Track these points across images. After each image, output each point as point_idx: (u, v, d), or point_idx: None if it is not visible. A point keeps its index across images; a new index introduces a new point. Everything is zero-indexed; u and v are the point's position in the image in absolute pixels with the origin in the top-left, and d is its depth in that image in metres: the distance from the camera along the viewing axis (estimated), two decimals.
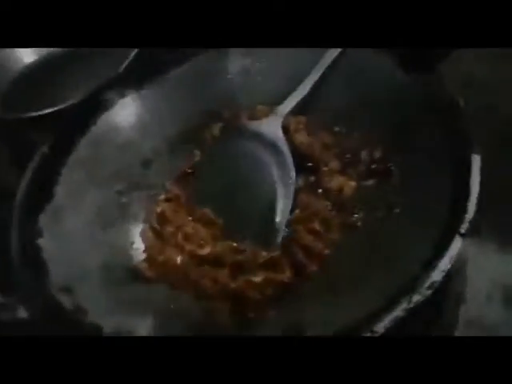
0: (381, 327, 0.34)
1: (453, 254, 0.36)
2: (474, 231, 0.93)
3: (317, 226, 0.49)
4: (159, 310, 0.45)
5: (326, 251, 0.47)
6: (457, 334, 0.68)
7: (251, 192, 0.51)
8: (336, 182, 0.52)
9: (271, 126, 0.54)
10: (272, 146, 0.52)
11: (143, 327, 0.42)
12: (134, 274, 0.49)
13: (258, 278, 0.46)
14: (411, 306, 0.34)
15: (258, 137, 0.53)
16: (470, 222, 0.38)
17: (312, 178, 0.54)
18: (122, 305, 0.44)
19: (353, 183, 0.52)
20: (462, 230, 0.38)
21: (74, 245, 0.48)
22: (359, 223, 0.49)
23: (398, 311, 0.34)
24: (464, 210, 0.38)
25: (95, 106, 0.58)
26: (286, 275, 0.46)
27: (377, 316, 0.35)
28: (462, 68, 0.99)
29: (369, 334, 0.34)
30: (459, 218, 0.38)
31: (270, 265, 0.47)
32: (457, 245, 0.37)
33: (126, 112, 0.59)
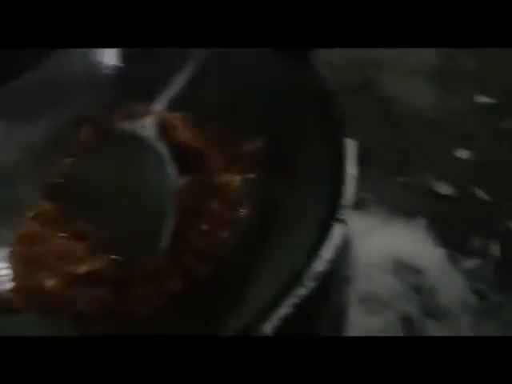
0: (267, 327, 0.33)
1: (335, 242, 0.36)
2: (361, 207, 0.98)
3: (206, 226, 0.47)
4: None
5: (218, 252, 0.45)
6: (352, 312, 0.71)
7: (130, 198, 0.47)
8: (221, 177, 0.51)
9: (146, 126, 0.50)
10: (148, 147, 0.49)
11: None
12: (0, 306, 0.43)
13: (144, 292, 0.43)
14: (297, 300, 0.34)
15: (133, 138, 0.50)
16: (349, 207, 0.38)
17: (196, 176, 0.51)
18: None
19: (237, 177, 0.50)
20: (342, 217, 0.38)
21: None
22: (247, 219, 0.47)
23: (285, 308, 0.33)
24: (342, 196, 0.38)
25: None
26: (176, 284, 0.44)
27: (264, 316, 0.33)
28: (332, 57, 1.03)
29: (254, 332, 0.32)
30: (338, 205, 0.38)
31: (157, 276, 0.44)
32: (338, 232, 0.37)
33: None
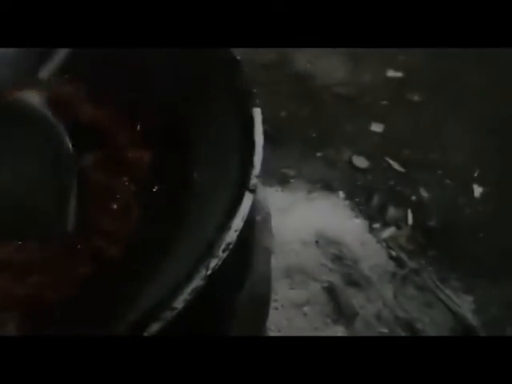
0: (180, 301, 0.31)
1: (244, 213, 0.35)
2: (284, 182, 0.98)
3: (114, 205, 0.44)
4: None
5: (125, 233, 0.43)
6: (275, 284, 0.72)
7: (28, 181, 0.44)
8: (130, 154, 0.48)
9: (33, 96, 0.46)
10: (40, 119, 0.45)
11: None
12: None
13: (51, 277, 0.40)
14: (209, 272, 0.32)
15: (21, 109, 0.45)
16: (257, 177, 0.37)
17: (102, 153, 0.48)
18: None
19: (148, 154, 0.48)
20: (252, 187, 0.37)
21: None
22: (158, 196, 0.45)
23: (198, 281, 0.32)
24: (252, 165, 0.37)
25: None
26: (85, 267, 0.41)
27: (177, 291, 0.32)
28: None
29: (169, 312, 0.31)
30: (247, 175, 0.37)
31: (65, 259, 0.41)
32: (248, 202, 0.36)
33: None
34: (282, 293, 0.76)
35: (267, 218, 0.52)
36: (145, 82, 0.49)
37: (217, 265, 0.33)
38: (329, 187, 0.98)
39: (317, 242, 0.84)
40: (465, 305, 0.82)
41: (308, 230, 0.86)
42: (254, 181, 0.37)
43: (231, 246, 0.34)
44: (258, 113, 0.40)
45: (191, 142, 0.46)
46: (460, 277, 0.86)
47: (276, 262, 0.79)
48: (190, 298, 0.32)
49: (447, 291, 0.84)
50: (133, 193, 0.46)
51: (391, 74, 1.18)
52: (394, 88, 1.16)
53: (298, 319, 0.74)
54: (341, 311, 0.76)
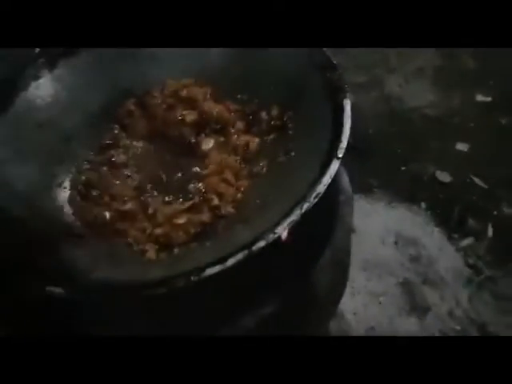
0: (281, 229, 0.42)
1: (332, 173, 0.46)
2: (368, 191, 1.07)
3: (228, 176, 0.57)
4: (98, 262, 0.50)
5: (239, 195, 0.55)
6: (352, 274, 0.80)
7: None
8: (242, 139, 0.61)
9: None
10: None
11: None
12: (66, 232, 0.54)
13: (181, 221, 0.53)
14: (303, 211, 0.43)
15: None
16: (344, 149, 0.48)
17: (222, 139, 0.62)
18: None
19: (256, 139, 0.61)
20: (339, 155, 0.47)
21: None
22: (264, 169, 0.57)
23: (294, 216, 0.43)
24: (340, 140, 0.48)
25: (10, 86, 0.62)
26: (205, 216, 0.54)
27: (277, 223, 0.43)
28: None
29: (271, 236, 0.42)
30: (336, 146, 0.48)
31: (192, 210, 0.55)
32: (335, 165, 0.47)
33: (42, 92, 0.63)
34: (359, 282, 0.84)
35: (349, 199, 0.62)
36: (255, 84, 0.63)
37: (309, 207, 0.44)
38: (411, 198, 1.04)
39: (396, 242, 0.91)
40: None
41: (388, 232, 0.93)
42: (341, 151, 0.47)
43: (320, 195, 0.45)
44: (347, 103, 0.51)
45: (292, 128, 0.58)
46: None
47: (354, 256, 0.87)
48: (288, 228, 0.43)
49: None
50: (243, 168, 0.59)
51: (480, 98, 1.23)
52: (482, 111, 1.20)
53: (372, 307, 0.81)
54: (414, 305, 0.82)
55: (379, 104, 1.26)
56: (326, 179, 0.46)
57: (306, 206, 0.44)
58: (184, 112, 0.63)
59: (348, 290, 0.82)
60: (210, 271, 0.40)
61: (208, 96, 0.65)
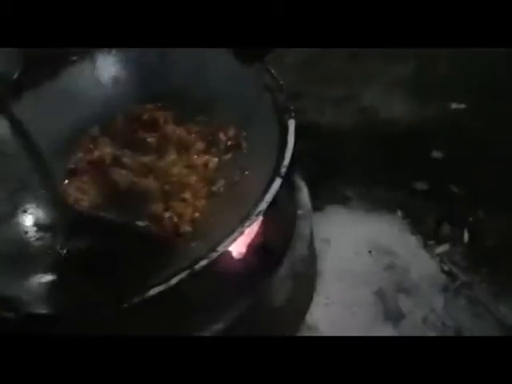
0: (222, 247, 0.45)
1: (274, 190, 0.48)
2: (345, 202, 1.08)
3: (187, 195, 0.59)
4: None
5: (196, 214, 0.58)
6: (327, 285, 0.81)
7: None
8: (202, 159, 0.63)
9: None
10: None
11: None
12: None
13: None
14: (243, 228, 0.46)
15: None
16: (287, 167, 0.50)
17: (183, 159, 0.64)
18: None
19: (215, 159, 0.63)
20: (282, 173, 0.50)
21: None
22: (221, 189, 0.60)
23: (236, 233, 0.45)
24: (283, 158, 0.51)
25: None
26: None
27: (220, 242, 0.45)
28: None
29: (213, 254, 0.44)
30: (279, 165, 0.50)
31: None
32: (277, 183, 0.49)
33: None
34: (334, 293, 0.85)
35: (307, 213, 0.64)
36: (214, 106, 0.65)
37: (250, 224, 0.46)
38: (387, 207, 1.06)
39: (370, 251, 0.93)
40: None
41: (363, 242, 0.94)
42: (283, 169, 0.50)
43: (262, 212, 0.47)
44: (292, 122, 0.54)
45: (246, 147, 0.60)
46: None
47: (328, 267, 0.88)
48: (229, 245, 0.45)
49: (499, 305, 0.87)
50: (201, 188, 0.61)
51: (455, 105, 1.25)
52: (457, 119, 1.22)
53: (347, 317, 0.82)
54: (388, 313, 0.83)
55: (355, 114, 1.28)
56: (268, 197, 0.48)
57: (247, 223, 0.46)
58: (146, 134, 0.66)
59: (322, 301, 0.84)
60: (153, 291, 0.42)
61: (169, 119, 0.68)
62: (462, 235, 0.99)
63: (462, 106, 1.24)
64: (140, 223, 0.57)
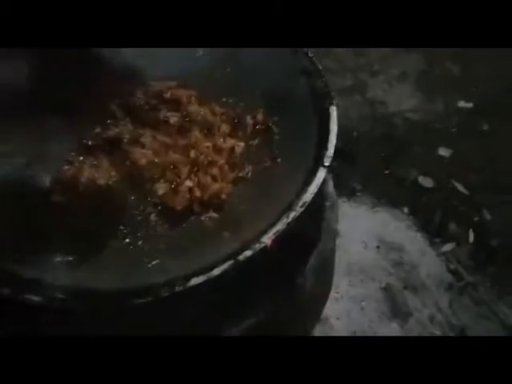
0: (267, 238, 0.42)
1: (319, 182, 0.46)
2: (351, 195, 1.07)
3: (215, 171, 0.56)
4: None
5: (223, 196, 0.54)
6: (336, 279, 0.80)
7: None
8: (228, 143, 0.60)
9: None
10: None
11: None
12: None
13: None
14: (289, 220, 0.43)
15: None
16: (331, 157, 0.47)
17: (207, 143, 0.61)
18: None
19: (242, 143, 0.60)
20: (326, 163, 0.47)
21: None
22: (249, 175, 0.57)
23: (280, 225, 0.43)
24: (326, 148, 0.48)
25: None
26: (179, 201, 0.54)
27: (263, 232, 0.43)
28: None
29: (257, 245, 0.41)
30: (323, 155, 0.47)
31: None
32: (321, 173, 0.46)
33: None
34: (343, 287, 0.84)
35: (334, 204, 0.61)
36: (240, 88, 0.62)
37: (295, 216, 0.43)
38: (393, 202, 1.05)
39: (378, 247, 0.92)
40: None
41: (370, 236, 0.93)
42: (327, 159, 0.47)
43: (307, 204, 0.44)
44: (334, 109, 0.51)
45: (278, 133, 0.57)
46: None
47: (338, 260, 0.87)
48: (274, 238, 0.42)
49: (503, 307, 0.87)
50: (226, 172, 0.58)
51: (462, 104, 1.24)
52: (464, 117, 1.22)
53: (355, 312, 0.81)
54: (396, 310, 0.83)
55: (363, 108, 1.26)
56: (313, 188, 0.45)
57: (292, 214, 0.44)
58: (168, 114, 0.62)
59: (332, 295, 0.83)
60: (194, 281, 0.40)
61: (192, 99, 0.64)
62: (468, 235, 0.99)
63: (470, 104, 1.23)
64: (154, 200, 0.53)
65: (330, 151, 0.48)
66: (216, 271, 0.40)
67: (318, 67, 0.56)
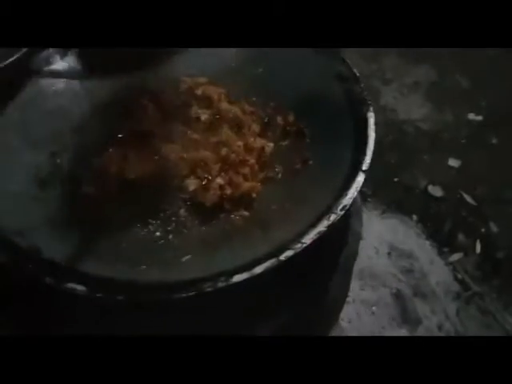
0: (308, 239, 0.42)
1: (358, 185, 0.46)
2: (362, 201, 1.08)
3: (246, 171, 0.56)
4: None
5: (254, 195, 0.55)
6: (353, 282, 0.80)
7: None
8: (258, 142, 0.60)
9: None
10: None
11: None
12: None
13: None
14: (330, 222, 0.43)
15: None
16: (369, 162, 0.48)
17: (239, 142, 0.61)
18: None
19: (271, 144, 0.60)
20: (364, 168, 0.48)
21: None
22: (279, 175, 0.57)
23: (321, 227, 0.43)
24: (364, 153, 0.48)
25: (23, 70, 0.59)
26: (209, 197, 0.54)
27: (304, 233, 0.43)
28: None
29: (298, 245, 0.42)
30: (361, 159, 0.48)
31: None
32: (361, 178, 0.47)
33: (54, 79, 0.61)
34: (354, 291, 0.85)
35: (359, 209, 0.62)
36: (271, 88, 0.62)
37: (336, 219, 0.44)
38: (403, 209, 1.06)
39: (389, 253, 0.93)
40: None
41: (382, 242, 0.94)
42: (366, 164, 0.48)
43: (347, 207, 0.45)
44: (371, 115, 0.52)
45: (309, 135, 0.58)
46: None
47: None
48: (315, 239, 0.43)
49: (508, 317, 0.89)
50: (256, 171, 0.58)
51: (472, 116, 1.26)
52: (473, 129, 1.23)
53: (366, 316, 0.82)
54: (406, 316, 0.84)
55: (374, 114, 1.27)
56: (352, 192, 0.46)
57: (333, 217, 0.44)
58: (199, 111, 0.62)
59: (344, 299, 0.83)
60: (237, 278, 0.40)
61: (223, 96, 0.64)
62: (475, 246, 1.01)
63: (480, 117, 1.25)
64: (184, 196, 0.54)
65: (369, 156, 0.48)
66: (258, 269, 0.40)
67: (354, 73, 0.56)
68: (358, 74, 0.57)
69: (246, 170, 0.55)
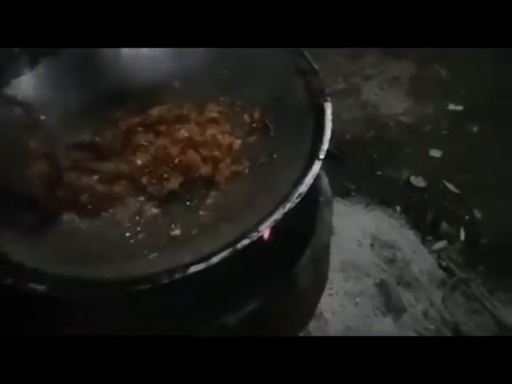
0: (264, 228, 0.43)
1: (314, 173, 0.47)
2: (346, 195, 1.08)
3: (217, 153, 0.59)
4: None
5: (221, 186, 0.56)
6: (331, 275, 0.81)
7: None
8: (226, 139, 0.62)
9: None
10: None
11: None
12: None
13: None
14: (286, 210, 0.45)
15: None
16: (326, 150, 0.49)
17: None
18: None
19: (239, 141, 0.62)
20: (321, 156, 0.49)
21: None
22: (246, 170, 0.58)
23: (277, 215, 0.44)
24: (321, 142, 0.50)
25: None
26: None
27: (261, 222, 0.44)
28: None
29: (255, 234, 0.43)
30: (318, 148, 0.49)
31: None
32: (317, 166, 0.48)
33: (22, 90, 0.62)
34: (337, 283, 0.86)
35: (329, 200, 0.63)
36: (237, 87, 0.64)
37: (291, 207, 0.45)
38: (386, 202, 1.07)
39: (372, 244, 0.93)
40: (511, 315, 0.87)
41: (364, 234, 0.95)
42: (322, 152, 0.49)
43: (303, 195, 0.46)
44: (328, 106, 0.53)
45: (273, 130, 0.59)
46: (508, 290, 0.91)
47: (332, 258, 0.88)
48: (270, 227, 0.44)
49: (494, 302, 0.89)
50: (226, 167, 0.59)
51: (452, 107, 1.27)
52: (454, 119, 1.24)
53: (350, 307, 0.83)
54: (390, 305, 0.84)
55: (356, 111, 1.29)
56: (308, 179, 0.47)
57: (288, 205, 0.45)
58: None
59: (326, 291, 0.84)
60: (194, 268, 0.41)
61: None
62: (459, 233, 1.01)
63: (459, 107, 1.26)
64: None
65: (325, 145, 0.50)
66: (215, 259, 0.41)
67: (313, 66, 0.58)
68: (316, 67, 0.58)
69: (205, 152, 0.56)
